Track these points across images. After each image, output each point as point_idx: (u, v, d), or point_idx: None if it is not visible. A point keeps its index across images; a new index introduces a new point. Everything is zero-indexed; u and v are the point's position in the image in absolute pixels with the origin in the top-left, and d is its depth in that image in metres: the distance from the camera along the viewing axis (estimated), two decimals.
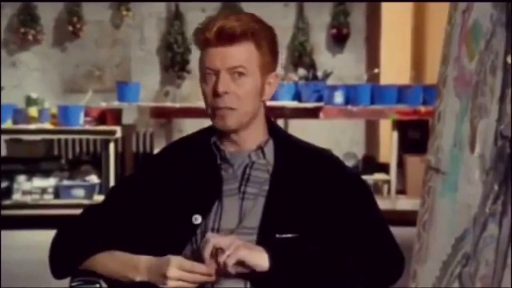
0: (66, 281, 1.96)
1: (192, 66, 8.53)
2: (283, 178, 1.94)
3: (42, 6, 8.61)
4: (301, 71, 7.76)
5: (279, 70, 2.09)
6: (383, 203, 2.45)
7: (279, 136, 2.01)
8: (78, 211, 2.02)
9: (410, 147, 7.15)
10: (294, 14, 8.87)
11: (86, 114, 7.11)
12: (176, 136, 7.25)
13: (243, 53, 1.89)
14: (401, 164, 7.20)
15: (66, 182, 7.16)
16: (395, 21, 8.74)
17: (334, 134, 8.52)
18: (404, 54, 8.76)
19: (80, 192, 7.06)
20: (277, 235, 1.87)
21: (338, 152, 2.78)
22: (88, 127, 7.08)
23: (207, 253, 1.81)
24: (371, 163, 7.68)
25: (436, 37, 7.23)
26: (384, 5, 8.81)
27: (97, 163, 7.26)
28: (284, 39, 8.68)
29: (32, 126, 7.06)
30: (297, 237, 1.88)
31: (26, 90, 8.13)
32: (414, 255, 1.43)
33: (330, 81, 7.56)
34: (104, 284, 1.91)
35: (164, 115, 7.54)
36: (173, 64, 8.74)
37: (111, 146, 7.09)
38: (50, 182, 7.12)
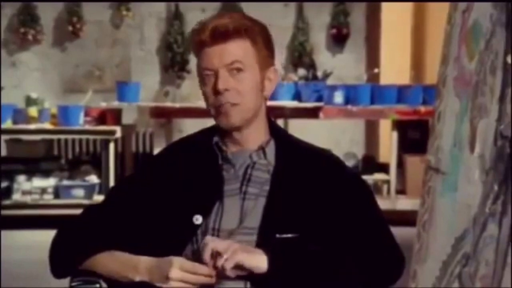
0: (66, 281, 1.96)
1: (192, 66, 8.52)
2: (284, 178, 1.94)
3: (42, 6, 8.61)
4: (301, 71, 7.76)
5: (279, 67, 2.10)
6: (383, 203, 2.45)
7: (279, 137, 2.02)
8: (78, 211, 2.02)
9: (410, 147, 7.15)
10: (294, 14, 8.87)
11: (86, 114, 7.11)
12: (176, 136, 7.26)
13: (238, 49, 1.90)
14: (401, 164, 7.20)
15: (66, 182, 7.16)
16: (395, 21, 8.74)
17: (334, 134, 8.52)
18: (404, 54, 8.77)
19: (80, 192, 7.06)
20: (278, 235, 1.87)
21: (338, 152, 2.78)
22: (88, 127, 7.08)
23: (206, 256, 1.81)
24: (371, 163, 7.68)
25: (436, 37, 7.24)
26: (384, 5, 8.81)
27: (97, 163, 7.26)
28: (284, 39, 8.69)
29: (32, 126, 7.06)
30: (297, 237, 1.88)
31: (26, 90, 8.13)
32: (414, 255, 1.43)
33: (330, 81, 7.56)
34: (104, 284, 1.91)
35: (164, 115, 7.54)
36: (173, 64, 8.74)
37: (111, 146, 7.09)
38: (50, 182, 7.12)
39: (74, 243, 1.93)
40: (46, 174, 7.17)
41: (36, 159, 7.25)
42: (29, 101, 7.33)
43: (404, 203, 6.89)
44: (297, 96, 7.23)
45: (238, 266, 1.81)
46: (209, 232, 1.90)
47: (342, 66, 8.70)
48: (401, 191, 7.20)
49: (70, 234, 1.96)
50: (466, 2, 1.37)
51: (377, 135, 8.72)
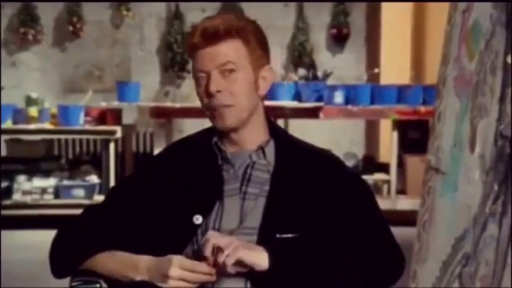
0: (66, 281, 1.96)
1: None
2: (284, 178, 1.94)
3: (42, 6, 8.61)
4: (301, 71, 7.76)
5: (277, 66, 2.10)
6: (383, 203, 2.45)
7: (279, 137, 2.02)
8: (78, 211, 2.02)
9: (410, 147, 7.15)
10: (294, 14, 8.87)
11: (86, 114, 7.11)
12: (176, 136, 7.25)
13: (230, 50, 1.90)
14: (401, 164, 7.20)
15: (66, 182, 7.16)
16: (395, 21, 8.74)
17: (334, 134, 8.52)
18: (404, 54, 8.76)
19: (80, 192, 7.06)
20: (278, 235, 1.87)
21: (338, 152, 2.78)
22: (88, 127, 7.08)
23: (208, 251, 1.81)
24: (371, 163, 7.68)
25: (436, 37, 7.24)
26: (384, 5, 8.81)
27: (97, 163, 7.26)
28: (284, 39, 8.70)
29: (32, 126, 7.06)
30: (298, 237, 1.88)
31: (26, 90, 8.13)
32: (414, 255, 1.43)
33: (330, 81, 7.56)
34: (104, 284, 1.91)
35: (164, 115, 7.54)
36: (173, 64, 8.74)
37: (111, 146, 7.09)
38: (50, 182, 7.12)
39: (74, 243, 1.93)
40: (46, 174, 7.17)
41: (36, 159, 7.25)
42: (29, 101, 7.33)
43: (404, 203, 6.89)
44: (297, 96, 7.23)
45: (239, 263, 1.81)
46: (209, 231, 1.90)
47: (342, 66, 8.69)
48: (401, 191, 7.20)
49: (70, 234, 1.96)
50: (466, 2, 1.37)
51: (377, 135, 8.72)
